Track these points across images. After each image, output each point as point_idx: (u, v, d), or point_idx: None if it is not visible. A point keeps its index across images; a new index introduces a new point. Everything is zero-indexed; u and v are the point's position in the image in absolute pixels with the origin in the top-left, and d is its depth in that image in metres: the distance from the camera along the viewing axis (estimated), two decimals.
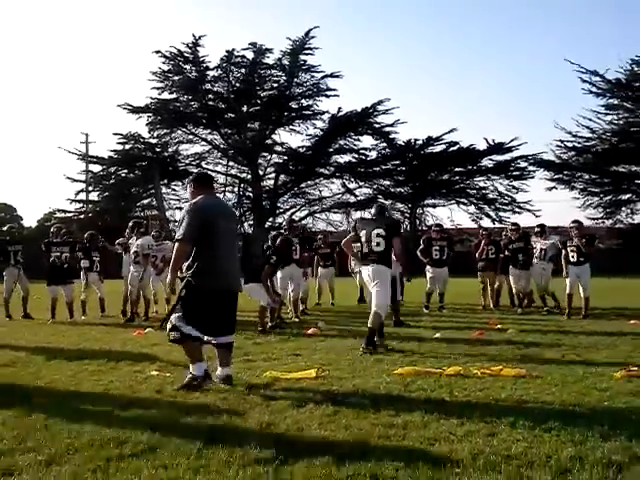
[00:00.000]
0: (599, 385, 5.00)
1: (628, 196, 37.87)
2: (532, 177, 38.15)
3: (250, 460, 3.26)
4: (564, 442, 3.48)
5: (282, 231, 11.70)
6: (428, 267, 11.85)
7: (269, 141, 40.17)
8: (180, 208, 41.86)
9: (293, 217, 29.67)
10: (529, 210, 38.04)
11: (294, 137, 67.35)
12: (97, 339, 8.30)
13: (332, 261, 13.79)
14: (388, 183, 40.15)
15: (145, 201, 41.89)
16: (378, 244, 7.17)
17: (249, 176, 40.10)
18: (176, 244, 5.22)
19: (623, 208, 38.37)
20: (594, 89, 37.04)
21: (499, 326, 9.10)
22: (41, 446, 3.54)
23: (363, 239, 7.30)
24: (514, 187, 38.37)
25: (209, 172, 38.53)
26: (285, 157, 40.06)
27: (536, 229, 12.00)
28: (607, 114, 37.65)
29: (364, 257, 7.31)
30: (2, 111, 79.35)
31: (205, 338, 5.23)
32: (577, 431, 3.66)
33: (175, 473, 3.08)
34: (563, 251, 10.73)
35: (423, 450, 3.40)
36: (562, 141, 37.60)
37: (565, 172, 38.10)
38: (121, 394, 4.88)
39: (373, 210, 7.68)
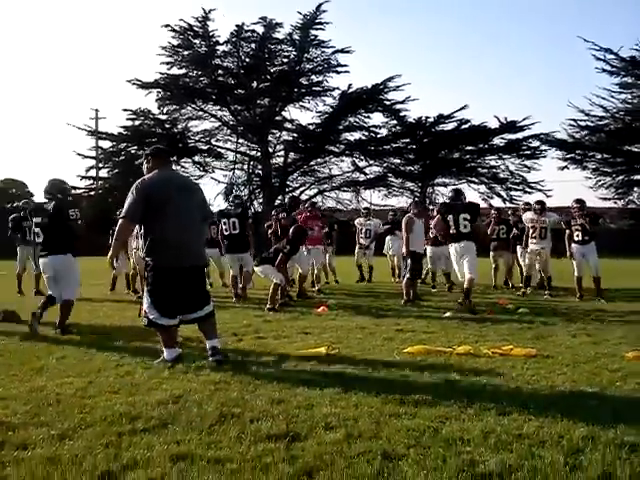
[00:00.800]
0: (610, 366, 4.98)
1: None
2: (544, 156, 37.81)
3: (261, 436, 3.28)
4: (576, 422, 3.47)
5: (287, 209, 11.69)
6: (427, 246, 11.69)
7: (279, 118, 39.92)
8: None
9: (294, 195, 29.38)
10: (540, 190, 37.74)
11: (304, 114, 66.79)
12: (108, 316, 8.35)
13: (330, 240, 13.74)
14: (398, 161, 39.86)
15: None
16: (465, 226, 8.78)
17: (258, 154, 39.94)
18: (119, 221, 5.28)
19: (635, 188, 37.97)
20: (608, 67, 36.44)
21: (509, 306, 9.07)
22: (54, 421, 3.58)
23: (451, 222, 8.82)
24: (525, 166, 38.04)
25: (214, 147, 38.56)
26: (295, 134, 39.83)
27: (535, 206, 11.15)
28: (621, 92, 37.09)
29: (452, 236, 8.90)
30: (13, 88, 79.32)
31: (174, 322, 5.25)
32: (589, 411, 3.65)
33: (187, 448, 3.10)
34: (567, 231, 10.54)
35: (434, 428, 3.39)
36: (575, 120, 37.15)
37: (577, 151, 37.68)
38: (132, 370, 4.91)
39: (453, 194, 9.34)
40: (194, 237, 5.30)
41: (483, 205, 35.76)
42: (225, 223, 10.20)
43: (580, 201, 10.55)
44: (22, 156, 73.75)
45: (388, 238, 13.91)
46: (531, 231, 10.88)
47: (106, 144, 40.82)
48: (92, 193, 40.64)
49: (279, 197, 38.49)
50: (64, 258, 7.02)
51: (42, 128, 78.73)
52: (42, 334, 6.74)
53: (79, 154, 40.25)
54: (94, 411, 3.76)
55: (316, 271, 11.70)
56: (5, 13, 76.03)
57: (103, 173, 41.65)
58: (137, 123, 39.62)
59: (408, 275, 9.55)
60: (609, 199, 38.22)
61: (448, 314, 8.09)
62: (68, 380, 4.56)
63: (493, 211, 13.08)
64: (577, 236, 10.31)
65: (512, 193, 38.35)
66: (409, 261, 9.58)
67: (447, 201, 10.57)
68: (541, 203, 11.11)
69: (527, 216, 11.09)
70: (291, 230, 9.37)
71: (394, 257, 13.69)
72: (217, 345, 5.27)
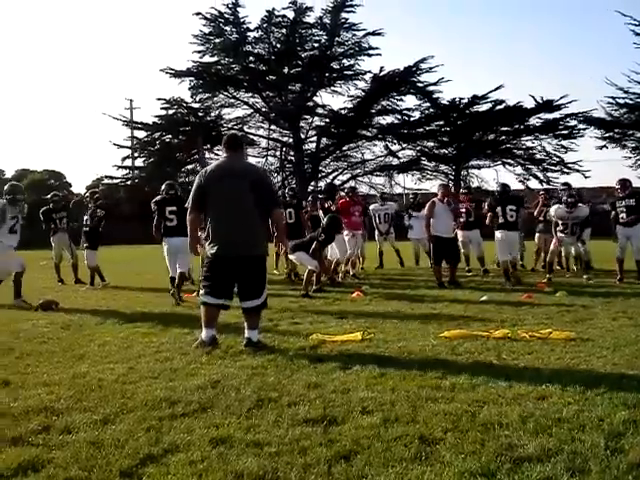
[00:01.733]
0: None
1: None
2: (582, 136, 36.95)
3: (299, 420, 3.31)
4: (616, 405, 3.41)
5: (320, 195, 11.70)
6: (457, 230, 11.51)
7: (310, 103, 39.80)
8: None
9: (334, 182, 29.14)
10: (578, 170, 36.96)
11: (336, 99, 66.64)
12: (146, 302, 8.50)
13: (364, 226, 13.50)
14: (432, 144, 39.42)
15: (189, 166, 42.31)
16: (512, 216, 9.73)
17: (291, 140, 39.94)
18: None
19: None
20: None
21: (548, 289, 8.93)
22: (96, 406, 3.67)
23: (500, 212, 9.77)
24: (563, 146, 37.23)
25: (247, 134, 38.69)
26: (327, 120, 39.70)
27: (568, 200, 10.09)
28: None
29: (501, 225, 9.80)
30: (49, 79, 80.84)
31: (216, 301, 5.31)
32: (630, 395, 3.58)
33: (226, 432, 3.15)
34: (612, 212, 10.25)
35: (471, 412, 3.38)
36: (613, 98, 36.13)
37: (616, 130, 36.69)
38: (171, 356, 4.99)
39: (500, 189, 10.41)
40: (239, 226, 5.20)
41: (520, 187, 35.19)
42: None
43: (623, 181, 10.18)
44: (60, 147, 75.22)
45: (409, 222, 13.39)
46: (561, 227, 10.27)
47: (141, 134, 41.38)
48: (128, 182, 41.22)
49: (312, 183, 38.51)
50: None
51: (79, 119, 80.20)
52: (79, 322, 6.89)
53: (115, 144, 40.85)
54: (135, 396, 3.84)
55: (353, 257, 11.65)
56: (41, 5, 77.38)
57: (139, 162, 42.23)
58: (171, 112, 40.00)
59: (431, 260, 9.57)
60: None
61: (484, 298, 8.01)
62: (109, 366, 4.67)
63: (542, 192, 12.84)
64: (622, 218, 9.96)
65: (549, 174, 37.67)
66: (431, 246, 9.61)
67: (496, 195, 10.69)
68: (573, 196, 10.30)
69: (557, 212, 10.26)
70: (326, 219, 9.39)
71: (418, 242, 13.22)
72: (252, 338, 5.26)
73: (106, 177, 42.17)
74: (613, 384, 3.83)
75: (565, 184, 11.94)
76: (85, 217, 11.32)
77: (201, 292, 5.45)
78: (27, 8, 78.63)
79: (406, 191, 37.92)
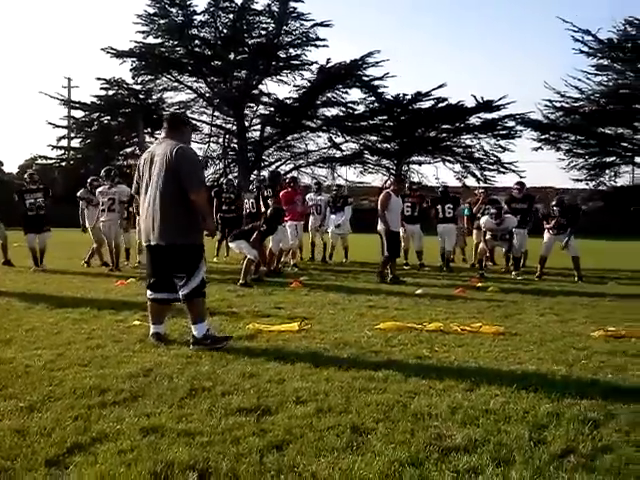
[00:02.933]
0: (577, 344, 5.09)
1: (612, 159, 38.16)
2: (519, 136, 38.28)
3: (232, 410, 3.29)
4: (541, 398, 3.55)
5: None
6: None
7: (256, 91, 39.55)
8: None
9: (277, 170, 28.74)
10: (514, 170, 38.22)
11: (281, 88, 66.38)
12: (78, 288, 8.25)
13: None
14: (375, 138, 39.90)
15: (128, 149, 41.31)
16: (449, 213, 11.60)
17: (234, 127, 39.59)
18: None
19: (607, 170, 38.68)
20: (585, 49, 36.83)
21: (480, 284, 9.19)
22: (22, 393, 3.54)
23: (440, 209, 11.56)
24: (500, 146, 38.46)
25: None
26: (271, 108, 39.57)
27: (492, 211, 10.56)
28: (597, 75, 37.62)
29: (441, 220, 11.66)
30: None
31: (152, 295, 5.02)
32: (554, 388, 3.72)
33: (157, 421, 3.10)
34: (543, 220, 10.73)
35: (403, 403, 3.44)
36: (551, 101, 37.57)
37: (552, 132, 38.17)
38: (103, 343, 4.87)
39: (442, 189, 12.13)
40: (155, 213, 4.81)
41: (457, 184, 36.00)
42: (245, 203, 11.40)
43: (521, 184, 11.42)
44: None
45: (333, 216, 12.85)
46: (489, 235, 10.67)
47: (79, 114, 40.16)
48: (63, 164, 39.88)
49: (254, 172, 38.26)
50: None
51: (14, 96, 76.71)
52: (7, 306, 6.64)
53: (50, 123, 39.50)
54: (63, 384, 3.73)
55: (295, 247, 11.65)
56: None
57: (75, 143, 40.93)
58: (111, 93, 38.99)
59: (387, 254, 9.50)
60: (581, 180, 38.81)
61: (419, 291, 8.17)
62: (37, 352, 4.51)
63: (479, 190, 13.18)
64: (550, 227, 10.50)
65: (486, 173, 38.87)
66: (385, 240, 9.54)
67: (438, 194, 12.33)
68: (499, 209, 10.59)
69: (487, 225, 10.60)
70: (270, 210, 9.33)
71: (338, 237, 12.88)
72: (158, 331, 5.03)
73: (40, 157, 40.74)
74: (538, 378, 3.98)
75: (519, 183, 11.99)
76: (29, 201, 10.88)
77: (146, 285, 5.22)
78: None
79: (347, 183, 38.30)
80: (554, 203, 10.53)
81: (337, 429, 3.04)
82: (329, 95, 39.30)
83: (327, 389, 3.68)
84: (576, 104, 37.83)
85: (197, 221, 4.89)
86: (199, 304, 4.94)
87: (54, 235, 11.38)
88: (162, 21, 37.83)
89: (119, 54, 37.67)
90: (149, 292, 5.05)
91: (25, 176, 11.62)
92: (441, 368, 4.21)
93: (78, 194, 11.46)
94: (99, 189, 10.66)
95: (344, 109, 39.39)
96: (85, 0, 76.98)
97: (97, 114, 39.81)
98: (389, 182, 10.70)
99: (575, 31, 36.13)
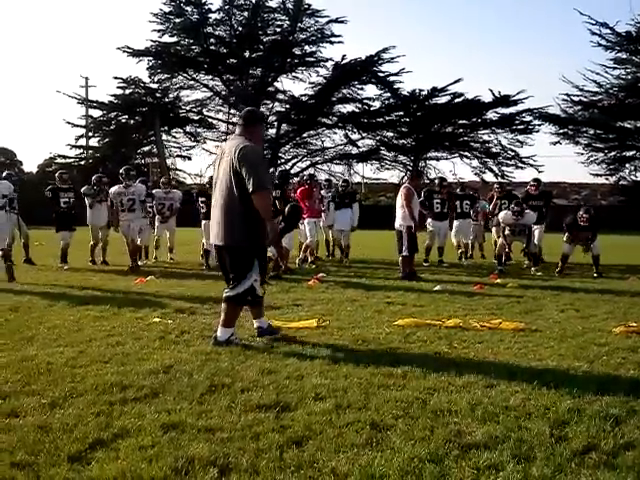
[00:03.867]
0: (598, 340, 5.04)
1: (632, 153, 37.60)
2: (537, 131, 37.83)
3: (252, 406, 3.31)
4: (562, 395, 3.52)
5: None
6: (429, 220, 11.74)
7: (271, 88, 39.55)
8: (180, 156, 41.65)
9: (285, 169, 28.13)
10: (532, 165, 37.84)
11: (297, 85, 66.48)
12: (99, 286, 8.33)
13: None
14: (391, 134, 39.72)
15: (145, 148, 41.58)
16: (466, 208, 12.17)
17: None
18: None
19: (627, 165, 38.14)
20: (603, 42, 36.31)
21: (499, 280, 9.13)
22: (45, 389, 3.59)
23: (459, 205, 12.06)
24: (518, 141, 38.05)
25: (206, 118, 38.04)
26: (287, 106, 39.53)
27: (514, 208, 10.37)
28: (615, 68, 37.05)
29: (458, 215, 12.18)
30: (1, 54, 77.91)
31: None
32: (575, 385, 3.70)
33: (178, 417, 3.13)
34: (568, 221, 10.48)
35: (422, 400, 3.44)
36: (568, 95, 37.11)
37: (570, 127, 37.70)
38: (123, 340, 4.92)
39: (460, 187, 12.53)
40: (218, 212, 4.81)
41: (475, 179, 35.75)
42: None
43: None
44: (11, 125, 72.67)
45: (338, 212, 12.38)
46: (508, 231, 10.51)
47: (96, 113, 40.42)
48: (82, 163, 40.25)
49: (271, 169, 38.28)
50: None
51: (32, 96, 77.49)
52: (29, 304, 6.72)
53: (69, 122, 39.79)
54: (85, 380, 3.77)
55: (312, 244, 11.61)
56: None
57: (93, 142, 41.24)
58: (128, 92, 39.18)
59: (406, 253, 9.42)
60: (601, 175, 38.35)
61: (438, 287, 8.14)
62: (59, 349, 4.57)
63: (495, 186, 13.06)
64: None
65: (504, 168, 38.48)
66: (406, 237, 9.45)
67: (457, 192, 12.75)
68: (520, 205, 10.44)
69: (505, 220, 10.47)
70: (287, 208, 9.19)
71: (341, 233, 12.30)
72: (262, 325, 5.09)
73: (59, 156, 41.10)
74: (559, 374, 3.96)
75: (535, 180, 11.97)
76: (63, 199, 11.05)
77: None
78: None
79: (365, 180, 38.26)
80: (583, 214, 10.00)
81: (356, 425, 3.04)
82: (345, 92, 39.20)
83: (346, 385, 3.69)
84: (594, 98, 37.35)
85: (254, 224, 4.70)
86: (235, 310, 4.89)
87: (76, 233, 11.49)
88: (177, 20, 37.96)
89: (135, 53, 37.88)
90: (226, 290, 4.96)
91: (56, 175, 11.74)
92: (460, 365, 4.19)
93: (82, 190, 11.45)
94: (115, 189, 10.43)
95: (360, 105, 39.29)
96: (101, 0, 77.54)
97: (114, 113, 40.06)
98: (406, 178, 10.56)
99: (593, 24, 35.66)
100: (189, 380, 3.78)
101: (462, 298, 7.35)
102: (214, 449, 2.74)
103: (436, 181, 13.07)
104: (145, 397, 3.47)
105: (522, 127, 37.70)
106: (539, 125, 37.67)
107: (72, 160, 40.84)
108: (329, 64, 38.48)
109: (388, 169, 40.39)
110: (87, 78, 41.23)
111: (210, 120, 40.52)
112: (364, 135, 39.65)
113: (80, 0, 77.88)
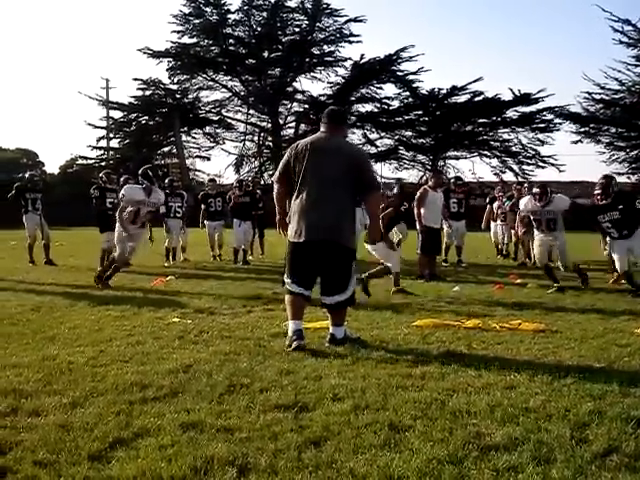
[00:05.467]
0: (619, 341, 4.98)
1: None
2: (557, 130, 37.45)
3: (270, 406, 3.31)
4: (583, 396, 3.48)
5: None
6: (446, 220, 11.61)
7: (290, 88, 39.66)
8: (200, 156, 41.90)
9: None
10: (553, 164, 37.46)
11: (315, 85, 66.48)
12: (119, 286, 8.41)
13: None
14: (410, 134, 39.61)
15: (165, 149, 41.92)
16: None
17: (269, 125, 39.76)
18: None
19: None
20: (625, 39, 35.76)
21: (519, 281, 9.05)
22: (66, 389, 3.63)
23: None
24: (539, 140, 37.71)
25: (225, 118, 38.14)
26: (306, 105, 39.59)
27: (537, 191, 8.32)
28: (637, 65, 36.42)
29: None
30: (23, 56, 79.03)
31: (299, 290, 4.81)
32: (596, 386, 3.65)
33: (197, 417, 3.14)
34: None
35: (441, 401, 3.42)
36: (590, 93, 36.61)
37: (592, 125, 37.20)
38: (143, 339, 4.96)
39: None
40: (328, 209, 4.65)
41: (494, 179, 35.47)
42: None
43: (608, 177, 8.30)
44: (33, 126, 73.77)
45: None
46: (535, 223, 8.54)
47: (117, 114, 40.85)
48: (103, 164, 40.69)
49: None
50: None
51: (54, 98, 78.67)
52: (50, 304, 6.80)
53: (90, 124, 40.25)
54: (105, 379, 3.81)
55: None
56: None
57: (114, 143, 41.67)
58: (148, 93, 39.56)
59: (419, 251, 9.43)
60: (622, 174, 37.78)
61: (456, 288, 8.10)
62: (80, 349, 4.62)
63: (516, 185, 12.94)
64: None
65: (524, 167, 38.16)
66: (422, 237, 9.46)
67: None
68: (543, 187, 8.50)
69: (527, 206, 8.56)
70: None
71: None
72: (336, 334, 4.83)
73: (80, 157, 41.64)
74: (580, 375, 3.91)
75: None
76: (109, 200, 10.62)
77: (286, 279, 4.95)
78: None
79: (383, 180, 38.07)
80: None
81: (375, 426, 3.03)
82: (363, 91, 39.18)
83: (364, 386, 3.68)
84: (616, 96, 36.83)
85: (354, 224, 4.88)
86: (345, 311, 4.96)
87: (94, 234, 11.58)
88: (197, 21, 38.23)
89: (155, 54, 38.21)
90: (296, 287, 4.80)
91: (101, 175, 11.57)
92: (479, 366, 4.15)
93: (92, 191, 11.06)
94: (132, 192, 8.37)
95: (378, 105, 39.24)
96: (121, 1, 78.29)
97: (135, 114, 40.46)
98: (425, 177, 10.45)
99: (615, 21, 35.19)
100: (208, 380, 3.80)
101: (481, 298, 7.30)
102: (233, 449, 2.74)
103: (452, 180, 13.01)
104: (165, 396, 3.49)
105: (543, 126, 37.36)
106: (560, 124, 37.31)
107: (93, 161, 41.35)
108: (348, 64, 38.56)
109: (407, 168, 40.31)
110: (108, 80, 41.65)
111: (229, 120, 40.75)
112: (382, 134, 39.60)
113: (101, 2, 78.68)
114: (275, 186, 5.01)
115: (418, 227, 9.46)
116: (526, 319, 5.85)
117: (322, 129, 4.91)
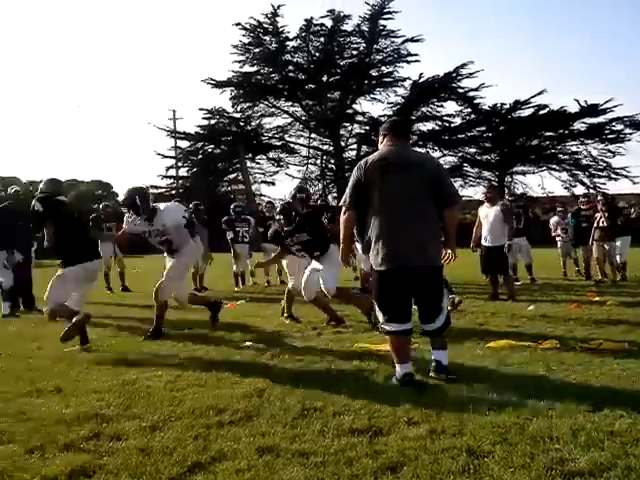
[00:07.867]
0: None
1: None
2: (629, 140, 35.98)
3: (344, 430, 3.30)
4: None
5: None
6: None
7: (350, 111, 39.95)
8: (265, 182, 42.59)
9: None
10: (626, 176, 36.01)
11: (375, 106, 66.45)
12: (192, 310, 8.57)
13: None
14: (474, 150, 39.07)
15: (232, 175, 42.90)
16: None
17: (331, 148, 40.10)
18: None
19: None
20: None
21: (597, 298, 8.70)
22: (145, 413, 3.73)
23: None
24: (609, 151, 36.40)
25: (288, 143, 38.65)
26: (366, 127, 39.71)
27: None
28: None
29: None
30: (96, 90, 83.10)
31: (399, 327, 4.29)
32: None
33: (272, 441, 3.16)
34: None
35: (520, 425, 3.31)
36: None
37: None
38: (218, 364, 5.04)
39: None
40: (410, 230, 4.19)
41: (566, 194, 34.28)
42: None
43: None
44: (107, 158, 77.18)
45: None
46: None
47: (184, 144, 42.11)
48: (173, 192, 42.00)
49: None
50: None
51: (126, 131, 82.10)
52: (132, 329, 7.02)
53: (159, 154, 41.70)
54: (182, 403, 3.89)
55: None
56: (85, 18, 79.58)
57: (182, 172, 42.95)
58: (212, 122, 40.68)
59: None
60: None
61: (531, 308, 7.86)
62: (157, 373, 4.74)
63: (600, 197, 12.52)
64: None
65: (596, 180, 36.85)
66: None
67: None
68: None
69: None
70: None
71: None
72: (442, 360, 4.40)
73: (151, 187, 43.00)
74: None
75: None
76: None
77: (381, 318, 4.41)
78: (74, 22, 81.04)
79: None
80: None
81: (452, 452, 2.96)
82: (424, 110, 39.02)
83: (439, 410, 3.61)
84: None
85: (441, 241, 4.48)
86: (444, 332, 4.49)
87: (154, 260, 11.87)
88: (257, 50, 39.19)
89: (218, 84, 39.35)
90: (394, 325, 4.29)
91: (192, 205, 11.93)
92: (559, 388, 4.00)
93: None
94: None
95: (440, 123, 38.96)
96: (185, 35, 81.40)
97: (201, 143, 41.64)
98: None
99: None
100: (281, 404, 3.82)
101: (558, 318, 7.05)
102: (309, 473, 2.74)
103: (506, 196, 12.78)
104: (240, 420, 3.53)
105: (613, 136, 36.06)
106: (630, 134, 35.92)
107: (164, 190, 42.68)
108: (407, 83, 38.59)
109: (472, 186, 39.64)
110: (174, 110, 43.16)
111: (292, 145, 41.36)
112: (445, 152, 39.20)
113: (165, 36, 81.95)
114: (345, 212, 4.41)
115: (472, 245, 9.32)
116: (607, 338, 5.61)
117: (388, 142, 4.41)
